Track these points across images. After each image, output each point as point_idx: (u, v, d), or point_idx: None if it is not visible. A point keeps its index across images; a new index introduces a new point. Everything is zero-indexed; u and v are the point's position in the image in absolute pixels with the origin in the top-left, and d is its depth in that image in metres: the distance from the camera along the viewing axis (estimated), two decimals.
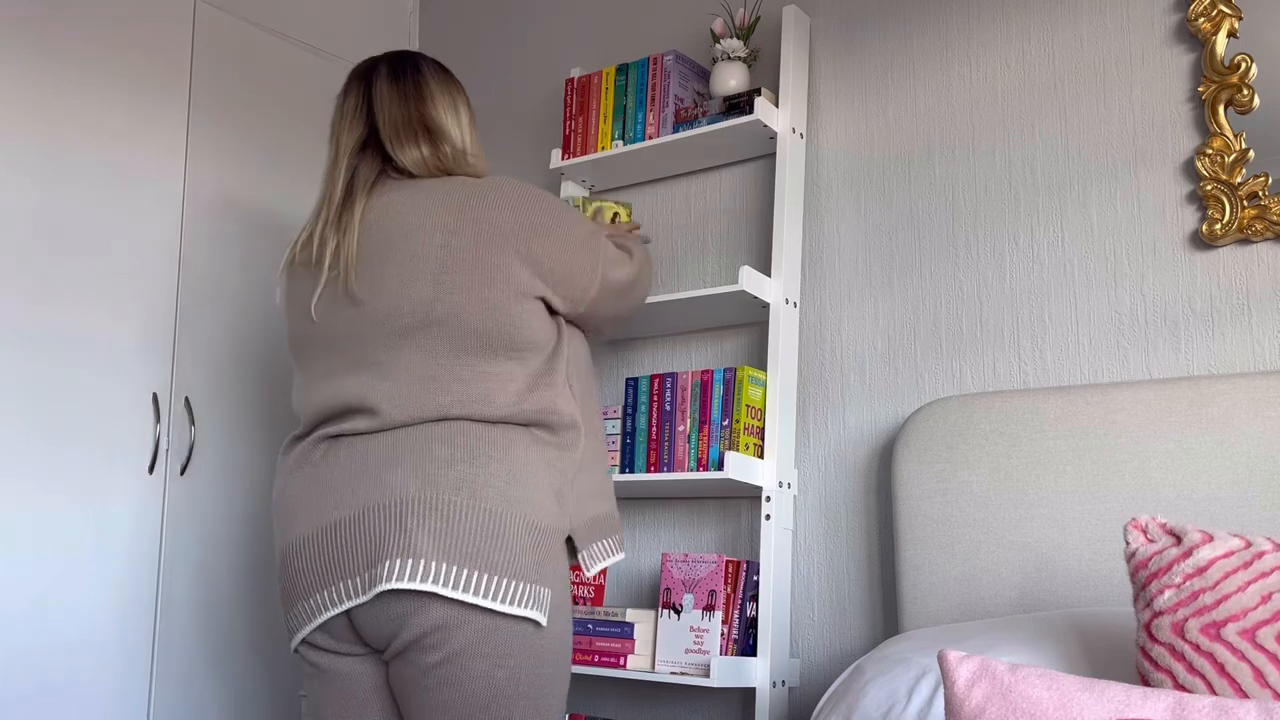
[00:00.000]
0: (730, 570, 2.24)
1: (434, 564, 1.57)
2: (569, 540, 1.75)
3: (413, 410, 1.67)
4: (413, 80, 1.84)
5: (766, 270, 2.43)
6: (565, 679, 1.72)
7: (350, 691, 1.70)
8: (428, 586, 1.56)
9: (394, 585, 1.57)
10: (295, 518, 1.69)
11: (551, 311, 1.80)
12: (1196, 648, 1.32)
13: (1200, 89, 2.04)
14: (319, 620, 1.66)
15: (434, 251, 1.70)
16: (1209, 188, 2.01)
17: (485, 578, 1.59)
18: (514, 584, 1.60)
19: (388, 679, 1.69)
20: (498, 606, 1.59)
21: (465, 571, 1.58)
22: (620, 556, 1.87)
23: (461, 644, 1.59)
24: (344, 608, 1.63)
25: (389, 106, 1.82)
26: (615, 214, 2.30)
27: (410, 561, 1.58)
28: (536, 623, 1.64)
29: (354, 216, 1.75)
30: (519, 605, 1.60)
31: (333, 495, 1.66)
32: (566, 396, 1.75)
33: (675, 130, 2.48)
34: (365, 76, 1.87)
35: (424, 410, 1.67)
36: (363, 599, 1.61)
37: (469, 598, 1.57)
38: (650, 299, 2.40)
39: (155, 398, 2.51)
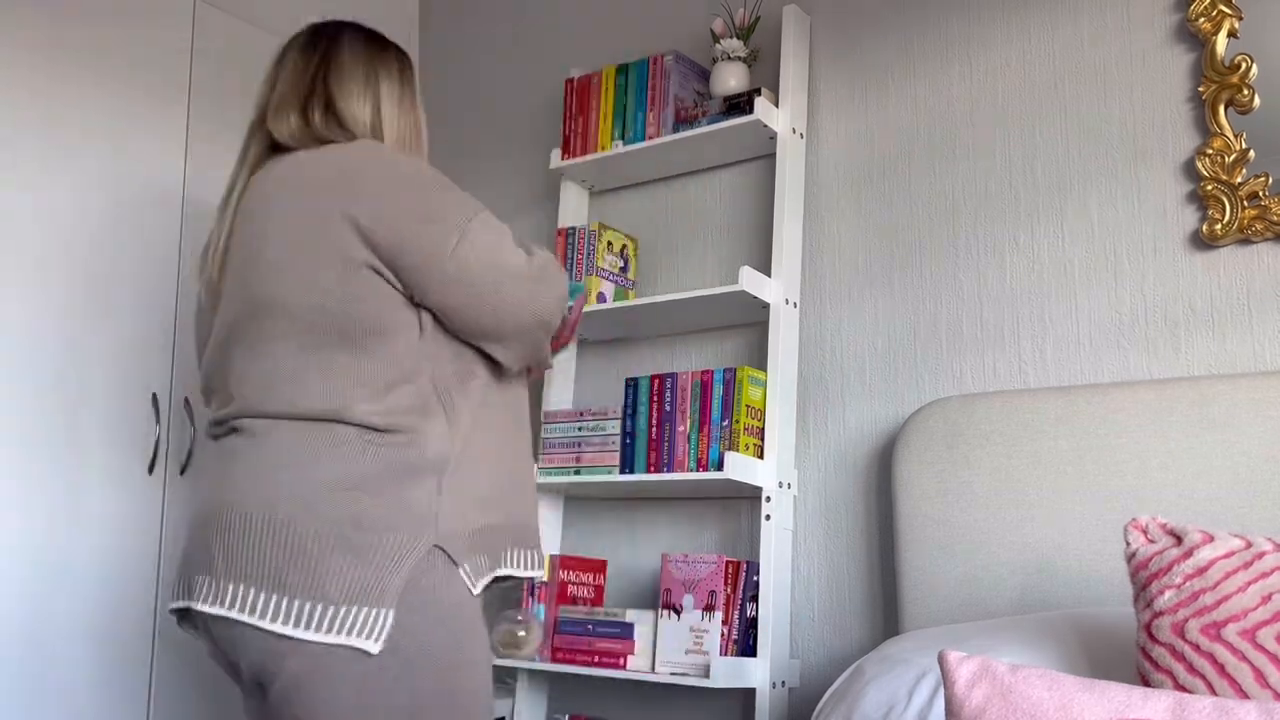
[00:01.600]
0: (730, 571, 2.24)
1: (230, 585, 1.41)
2: (446, 554, 1.48)
3: (239, 407, 1.51)
4: (323, 49, 1.65)
5: (766, 270, 2.43)
6: (447, 714, 1.45)
7: (249, 704, 1.56)
8: (225, 611, 1.40)
9: (199, 607, 1.43)
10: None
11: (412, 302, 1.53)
12: (1197, 648, 1.32)
13: (1200, 89, 2.03)
14: (171, 606, 1.53)
15: (270, 229, 1.52)
16: (1209, 188, 2.00)
17: (285, 600, 1.38)
18: (323, 607, 1.38)
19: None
20: (307, 635, 1.37)
21: (265, 595, 1.39)
22: (531, 574, 1.60)
23: (294, 674, 1.39)
24: (176, 604, 1.51)
25: (288, 75, 1.64)
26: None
27: (212, 582, 1.43)
28: (364, 652, 1.39)
29: (230, 201, 1.61)
30: (335, 632, 1.38)
31: (200, 490, 1.56)
32: (418, 393, 1.50)
33: (675, 130, 2.48)
34: (287, 46, 1.71)
35: (248, 407, 1.50)
36: (180, 604, 1.49)
37: (269, 624, 1.38)
38: (650, 299, 2.39)
39: (155, 398, 2.51)
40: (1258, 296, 1.97)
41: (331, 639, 1.37)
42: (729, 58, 2.47)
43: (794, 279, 2.38)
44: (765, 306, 2.35)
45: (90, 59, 2.47)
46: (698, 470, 2.28)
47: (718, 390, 2.29)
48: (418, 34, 3.29)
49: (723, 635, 2.21)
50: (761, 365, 2.45)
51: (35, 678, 2.27)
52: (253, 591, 1.39)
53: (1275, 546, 1.36)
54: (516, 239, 1.60)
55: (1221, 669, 1.30)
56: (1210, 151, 2.01)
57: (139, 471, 2.48)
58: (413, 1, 3.29)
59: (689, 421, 2.31)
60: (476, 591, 1.49)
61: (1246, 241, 1.99)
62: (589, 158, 2.60)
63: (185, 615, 1.54)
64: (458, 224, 1.51)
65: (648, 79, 2.55)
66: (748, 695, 2.36)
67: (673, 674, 2.20)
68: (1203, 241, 2.02)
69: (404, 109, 1.66)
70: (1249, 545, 1.37)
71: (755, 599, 2.25)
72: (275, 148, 1.62)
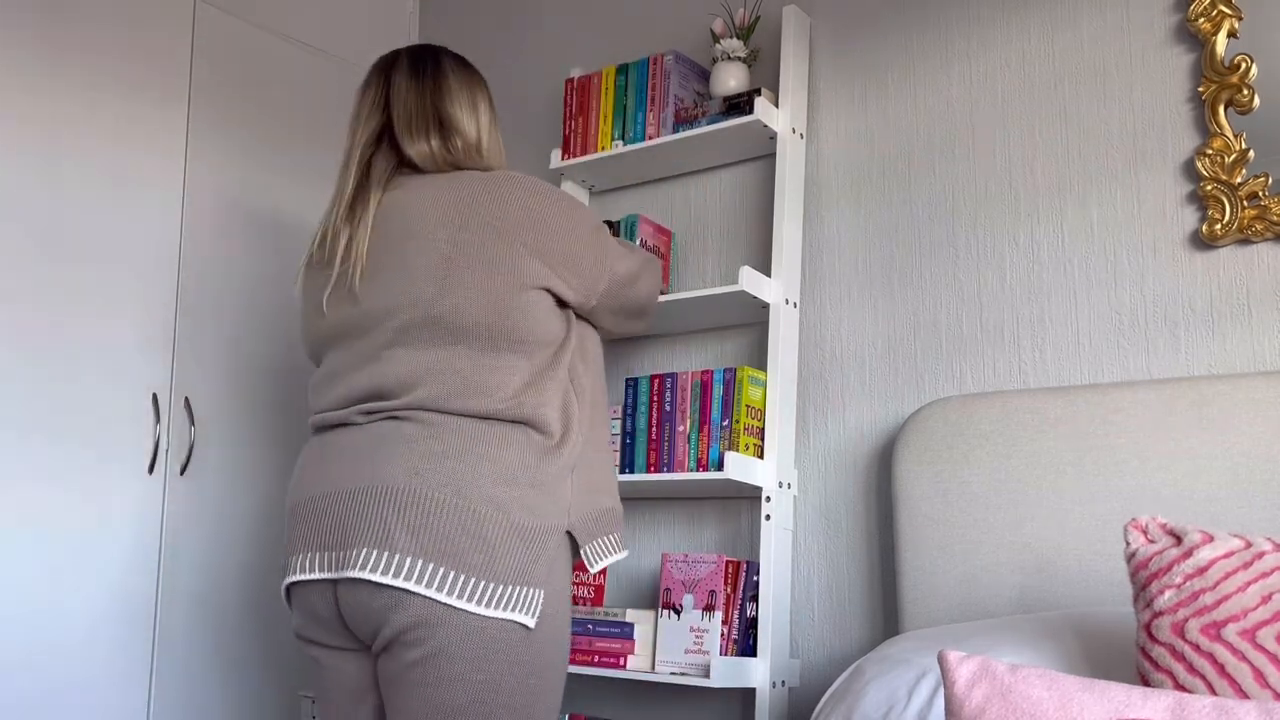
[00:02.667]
0: (730, 570, 2.24)
1: (408, 559, 1.55)
2: (571, 538, 1.71)
3: (410, 400, 1.66)
4: (431, 73, 1.82)
5: (766, 270, 2.43)
6: (557, 686, 1.67)
7: (346, 686, 1.70)
8: (399, 582, 1.54)
9: (364, 575, 1.56)
10: (298, 487, 1.72)
11: (561, 305, 1.77)
12: (1196, 648, 1.32)
13: (1200, 89, 2.03)
14: (291, 579, 1.67)
15: (439, 247, 1.68)
16: (1209, 188, 2.00)
17: (463, 578, 1.55)
18: (495, 586, 1.57)
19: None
20: (475, 609, 1.56)
21: (442, 570, 1.55)
22: (624, 554, 1.82)
23: (441, 643, 1.56)
24: (310, 576, 1.63)
25: (405, 99, 1.80)
26: None
27: (385, 555, 1.56)
28: (524, 625, 1.60)
29: (368, 210, 1.74)
30: (501, 608, 1.57)
31: (332, 470, 1.67)
32: (566, 394, 1.72)
33: (675, 130, 2.48)
34: (385, 69, 1.85)
35: (422, 401, 1.65)
36: (328, 575, 1.61)
37: (443, 597, 1.54)
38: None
39: (155, 398, 2.51)
40: (1257, 296, 1.97)
41: (498, 613, 1.56)
42: (729, 58, 2.47)
43: (794, 279, 2.38)
44: (765, 306, 2.35)
45: (90, 59, 2.47)
46: (698, 470, 2.28)
47: (718, 390, 2.29)
48: (417, 34, 3.29)
49: (723, 635, 2.21)
50: (761, 365, 2.45)
51: (35, 678, 2.27)
52: (432, 565, 1.55)
53: (1275, 546, 1.36)
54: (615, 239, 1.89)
55: (1221, 669, 1.30)
56: (1210, 152, 2.01)
57: (139, 471, 2.48)
58: (412, 1, 3.29)
59: (689, 421, 2.31)
60: (594, 571, 1.74)
61: (1246, 241, 1.99)
62: (589, 158, 2.60)
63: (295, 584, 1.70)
64: (603, 238, 1.81)
65: (648, 79, 2.55)
66: (748, 695, 2.36)
67: (673, 674, 2.20)
68: (1202, 241, 2.02)
69: (494, 128, 1.88)
70: (1249, 545, 1.37)
71: (755, 599, 2.25)
72: (400, 165, 1.79)
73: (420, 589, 1.54)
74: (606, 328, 1.92)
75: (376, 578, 1.55)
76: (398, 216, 1.72)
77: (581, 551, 1.71)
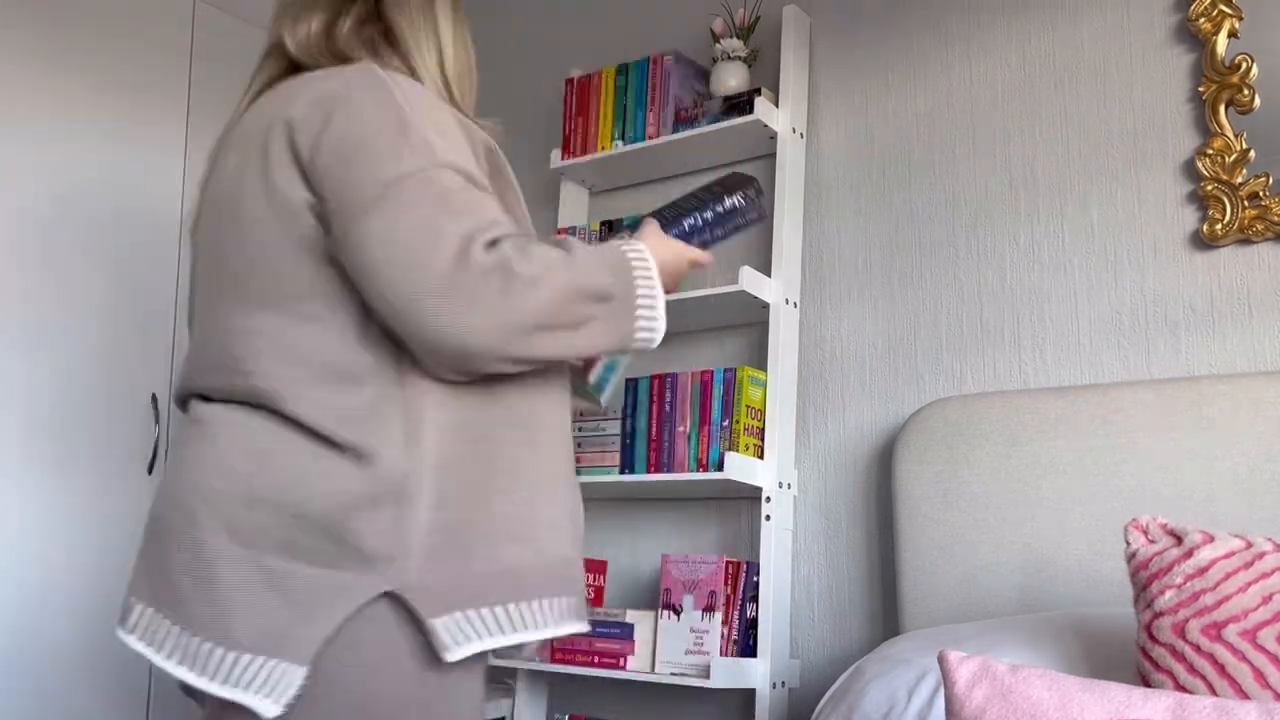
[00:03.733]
0: (730, 571, 2.24)
1: (138, 606, 1.16)
2: (402, 604, 1.13)
3: (181, 386, 1.27)
4: None
5: (766, 270, 2.43)
6: None
7: None
8: (124, 637, 1.16)
9: (120, 633, 1.18)
10: None
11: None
12: (1197, 648, 1.32)
13: (1201, 89, 2.03)
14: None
15: (226, 168, 1.27)
16: (1209, 188, 2.00)
17: (194, 641, 1.11)
18: (226, 654, 1.10)
19: None
20: (210, 687, 1.10)
21: (166, 624, 1.13)
22: (538, 634, 1.17)
23: None
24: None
25: None
26: None
27: (129, 600, 1.18)
28: (255, 712, 1.10)
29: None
30: (232, 684, 1.09)
31: None
32: (407, 390, 1.17)
33: (675, 130, 2.48)
34: None
35: (185, 385, 1.26)
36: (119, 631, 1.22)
37: (177, 670, 1.12)
38: None
39: (155, 398, 2.51)
40: (1258, 296, 1.97)
41: (229, 694, 1.10)
42: (729, 58, 2.47)
43: (794, 279, 2.38)
44: (765, 306, 2.35)
45: (90, 59, 2.47)
46: (698, 470, 2.28)
47: (718, 390, 2.29)
48: None
49: (723, 635, 2.21)
50: (761, 365, 2.45)
51: (36, 678, 2.27)
52: (150, 612, 1.15)
53: (1275, 547, 1.36)
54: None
55: (1222, 669, 1.30)
56: (1210, 151, 2.01)
57: (139, 471, 2.48)
58: None
59: (689, 422, 2.31)
60: (451, 658, 1.13)
61: (1247, 241, 1.99)
62: (589, 158, 2.60)
63: None
64: (398, 168, 1.15)
65: (648, 79, 2.55)
66: (748, 695, 2.36)
67: (673, 674, 2.20)
68: (1203, 241, 2.02)
69: (441, 34, 1.34)
70: (1249, 545, 1.37)
71: (755, 599, 2.25)
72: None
73: (140, 648, 1.15)
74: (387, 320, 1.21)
75: (122, 633, 1.17)
76: (235, 134, 1.33)
77: (427, 629, 1.12)
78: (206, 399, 1.23)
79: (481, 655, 1.19)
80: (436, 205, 1.13)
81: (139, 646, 1.14)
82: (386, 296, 1.12)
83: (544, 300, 1.14)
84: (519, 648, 1.19)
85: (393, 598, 1.13)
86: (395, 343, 1.18)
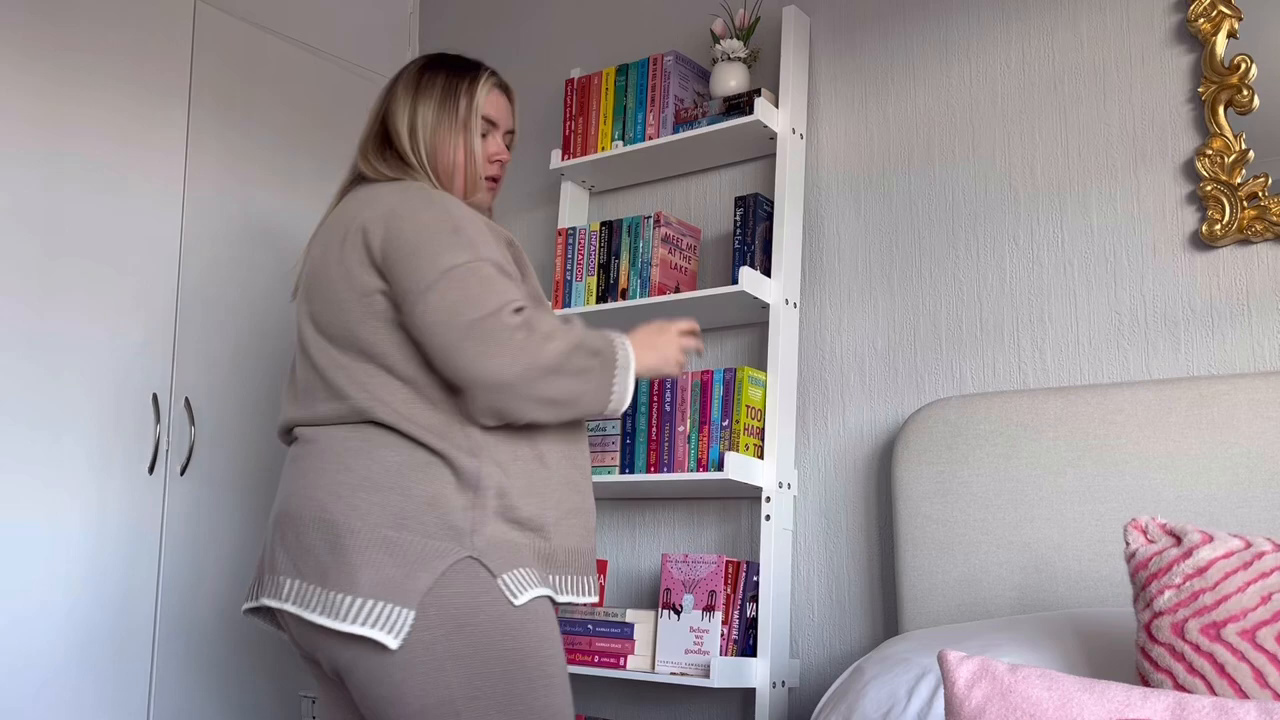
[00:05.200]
0: (730, 571, 2.24)
1: (286, 580, 1.54)
2: (483, 564, 1.53)
3: (302, 415, 1.65)
4: (392, 84, 1.80)
5: (766, 270, 2.43)
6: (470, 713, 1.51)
7: (330, 695, 1.69)
8: (276, 603, 1.54)
9: (264, 601, 1.57)
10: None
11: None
12: (1196, 648, 1.32)
13: (1200, 89, 2.04)
14: (245, 606, 1.69)
15: (315, 255, 1.69)
16: (1209, 188, 2.01)
17: (328, 594, 1.49)
18: (350, 600, 1.47)
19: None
20: (337, 625, 1.47)
21: (311, 587, 1.51)
22: (580, 600, 1.66)
23: (351, 663, 1.51)
24: (252, 604, 1.66)
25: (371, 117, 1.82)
26: None
27: (273, 578, 1.57)
28: (382, 644, 1.48)
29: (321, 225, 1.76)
30: (357, 622, 1.46)
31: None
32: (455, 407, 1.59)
33: (675, 131, 2.48)
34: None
35: (307, 415, 1.64)
36: (252, 604, 1.64)
37: (316, 617, 1.49)
38: (650, 300, 2.39)
39: (155, 398, 2.51)
40: (1257, 297, 1.97)
41: (357, 629, 1.46)
42: (729, 58, 2.47)
43: (794, 279, 2.38)
44: (765, 307, 2.35)
45: (90, 59, 2.47)
46: (698, 470, 2.28)
47: (718, 390, 2.29)
48: (417, 35, 3.29)
49: (723, 635, 2.21)
50: (761, 365, 2.45)
51: (36, 678, 2.27)
52: (299, 583, 1.53)
53: (1275, 547, 1.36)
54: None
55: (1221, 669, 1.30)
56: (1210, 152, 2.01)
57: (139, 471, 2.48)
58: (413, 2, 3.29)
59: (689, 422, 2.31)
60: (519, 603, 1.53)
61: (1246, 242, 1.99)
62: (589, 158, 2.60)
63: (265, 611, 1.70)
64: (449, 261, 1.56)
65: (648, 79, 2.55)
66: (748, 695, 2.36)
67: (673, 674, 2.21)
68: (1202, 242, 2.02)
69: (441, 124, 1.74)
70: (1248, 545, 1.37)
71: (755, 599, 2.25)
72: (356, 179, 1.78)
73: (295, 609, 1.51)
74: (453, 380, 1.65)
75: (270, 602, 1.56)
76: (324, 230, 1.72)
77: (499, 581, 1.54)
78: (311, 426, 1.63)
79: (545, 598, 1.59)
80: (480, 286, 1.55)
81: (294, 609, 1.51)
82: (443, 347, 1.53)
83: (556, 350, 1.56)
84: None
85: (474, 560, 1.52)
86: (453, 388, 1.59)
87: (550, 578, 1.61)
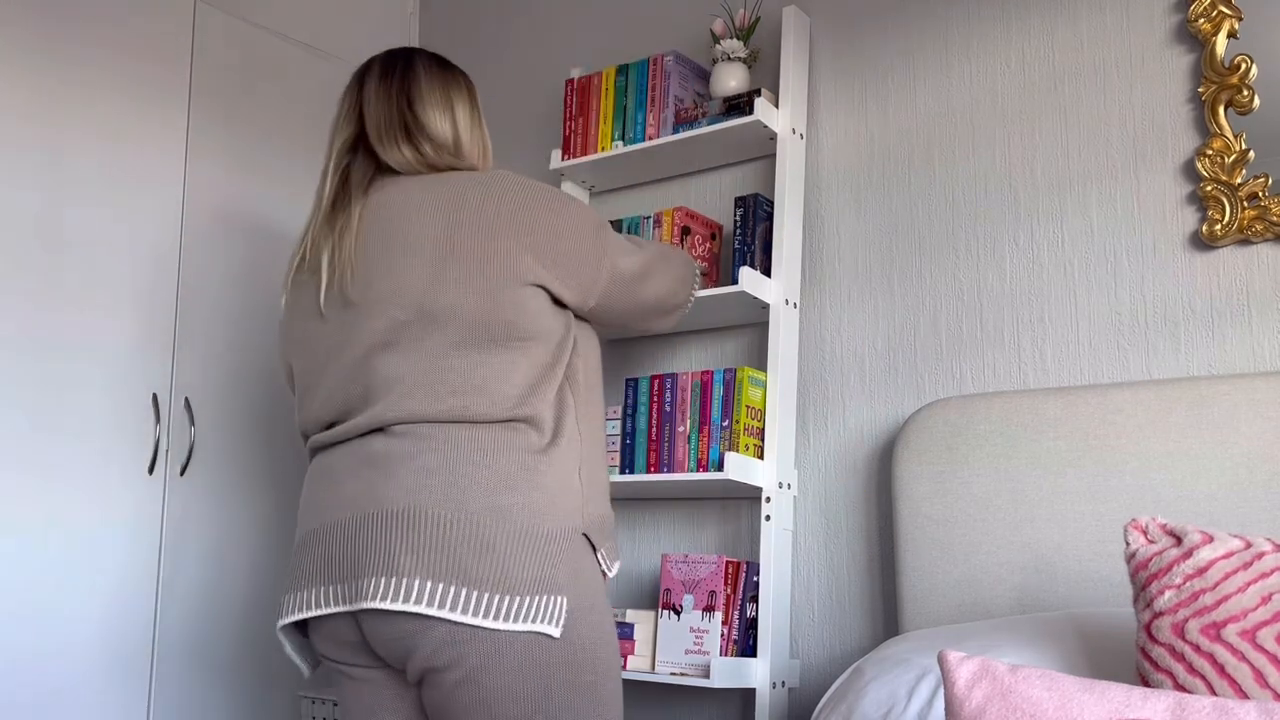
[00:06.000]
0: (730, 571, 2.24)
1: (416, 582, 1.51)
2: (588, 540, 1.65)
3: (402, 411, 1.61)
4: (400, 76, 1.79)
5: (766, 271, 2.43)
6: (612, 689, 1.62)
7: (376, 700, 1.66)
8: (410, 607, 1.50)
9: (378, 605, 1.52)
10: (307, 514, 1.69)
11: (558, 304, 1.72)
12: (1197, 648, 1.32)
13: (1200, 90, 2.03)
14: (305, 615, 1.62)
15: (430, 245, 1.65)
16: (1209, 188, 2.00)
17: (475, 594, 1.50)
18: (510, 599, 1.51)
19: (420, 701, 1.65)
20: (494, 624, 1.50)
21: (454, 589, 1.50)
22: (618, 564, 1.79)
23: (477, 661, 1.52)
24: (328, 610, 1.59)
25: (375, 106, 1.78)
26: None
27: (394, 580, 1.52)
28: (548, 636, 1.54)
29: (350, 216, 1.71)
30: (521, 620, 1.51)
31: (333, 497, 1.63)
32: (563, 394, 1.68)
33: (675, 131, 2.48)
34: (359, 77, 1.84)
35: (412, 412, 1.61)
36: (345, 608, 1.57)
37: (459, 616, 1.50)
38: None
39: (155, 398, 2.51)
40: (1257, 297, 1.97)
41: (520, 627, 1.51)
42: (729, 58, 2.47)
43: (794, 279, 2.38)
44: (765, 307, 2.35)
45: (90, 59, 2.47)
46: (698, 471, 2.28)
47: (718, 390, 2.29)
48: (417, 34, 3.29)
49: (723, 635, 2.21)
50: (761, 365, 2.45)
51: (35, 679, 2.27)
52: (441, 586, 1.51)
53: (1275, 547, 1.36)
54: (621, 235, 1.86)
55: (1221, 669, 1.30)
56: (1210, 152, 2.01)
57: (139, 471, 2.48)
58: (413, 2, 3.29)
59: (689, 422, 2.31)
60: (611, 574, 1.67)
61: (1246, 242, 1.99)
62: (589, 158, 2.60)
63: (300, 623, 1.70)
64: (603, 235, 1.77)
65: (648, 79, 2.55)
66: (748, 695, 2.36)
67: (672, 674, 2.21)
68: (1202, 242, 2.02)
69: (476, 127, 1.84)
70: (1249, 545, 1.37)
71: (755, 599, 2.25)
72: (379, 170, 1.77)
73: (434, 611, 1.50)
74: (625, 326, 1.92)
75: (387, 605, 1.51)
76: (384, 218, 1.69)
77: (597, 554, 1.66)
78: (419, 423, 1.62)
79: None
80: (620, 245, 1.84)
81: (430, 611, 1.50)
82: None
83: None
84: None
85: (584, 536, 1.63)
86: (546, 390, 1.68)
87: (611, 545, 1.73)
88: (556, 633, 1.54)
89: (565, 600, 1.55)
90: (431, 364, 1.62)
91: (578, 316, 1.79)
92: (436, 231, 1.65)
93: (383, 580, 1.53)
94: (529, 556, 1.54)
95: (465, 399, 1.60)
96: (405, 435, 1.61)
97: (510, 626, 1.51)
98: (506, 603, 1.51)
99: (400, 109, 1.76)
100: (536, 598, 1.53)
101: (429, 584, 1.51)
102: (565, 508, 1.61)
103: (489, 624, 1.50)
